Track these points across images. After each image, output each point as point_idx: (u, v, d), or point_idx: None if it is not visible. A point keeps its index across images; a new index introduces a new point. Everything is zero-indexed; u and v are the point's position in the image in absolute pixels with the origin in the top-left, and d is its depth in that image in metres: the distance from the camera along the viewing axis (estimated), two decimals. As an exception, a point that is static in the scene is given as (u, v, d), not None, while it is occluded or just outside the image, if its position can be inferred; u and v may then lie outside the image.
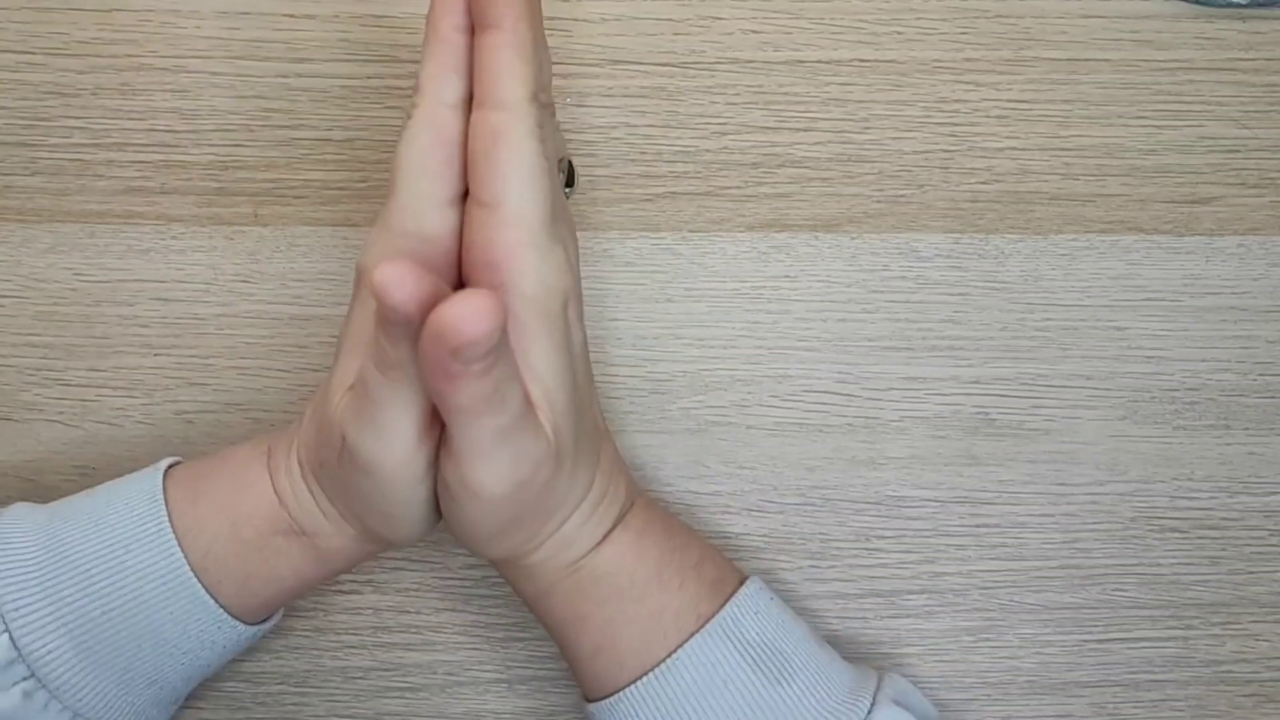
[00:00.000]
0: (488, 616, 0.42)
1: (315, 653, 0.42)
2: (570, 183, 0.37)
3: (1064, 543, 0.43)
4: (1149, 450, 0.43)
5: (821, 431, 0.43)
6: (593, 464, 0.35)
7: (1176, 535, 0.43)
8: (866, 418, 0.43)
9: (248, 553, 0.35)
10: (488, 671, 0.42)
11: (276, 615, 0.38)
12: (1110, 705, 0.42)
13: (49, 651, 0.34)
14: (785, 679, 0.35)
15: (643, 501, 0.37)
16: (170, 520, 0.34)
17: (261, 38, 0.43)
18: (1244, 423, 0.43)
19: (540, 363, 0.32)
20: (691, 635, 0.35)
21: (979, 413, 0.43)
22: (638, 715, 0.34)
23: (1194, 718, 0.42)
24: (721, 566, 0.37)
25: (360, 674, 0.42)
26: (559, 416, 0.32)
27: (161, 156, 0.43)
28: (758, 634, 0.35)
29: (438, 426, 0.31)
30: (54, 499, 0.41)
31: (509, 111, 0.31)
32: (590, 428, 0.35)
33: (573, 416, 0.33)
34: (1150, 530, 0.43)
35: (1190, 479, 0.43)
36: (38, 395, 0.42)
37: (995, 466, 0.43)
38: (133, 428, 0.42)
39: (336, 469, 0.33)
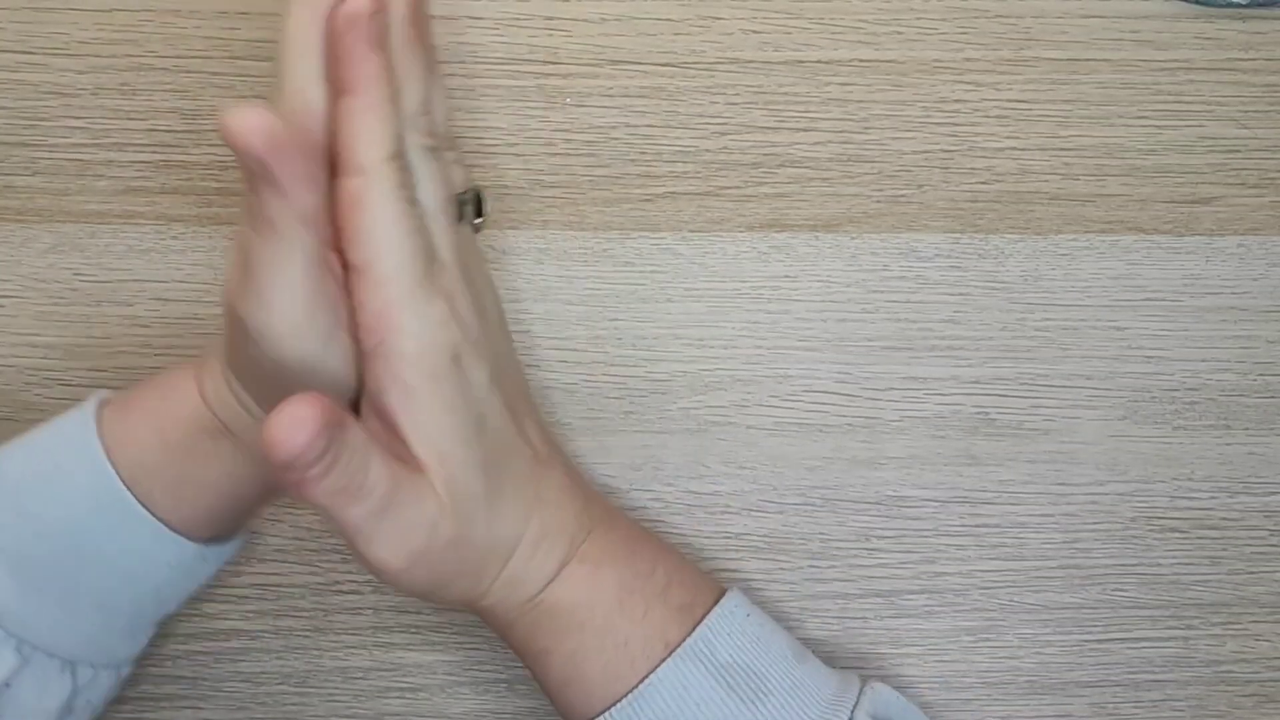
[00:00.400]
0: (488, 616, 0.42)
1: (315, 653, 0.42)
2: (480, 213, 0.37)
3: (1064, 543, 0.43)
4: (1149, 450, 0.43)
5: (821, 431, 0.43)
6: (524, 504, 0.34)
7: (1176, 535, 0.43)
8: (866, 418, 0.43)
9: (176, 458, 0.35)
10: (488, 671, 0.42)
11: (235, 540, 0.38)
12: (1110, 705, 0.42)
13: None
14: (760, 697, 0.34)
15: (604, 527, 0.37)
16: (100, 435, 0.34)
17: (261, 38, 0.43)
18: (1244, 423, 0.43)
19: (429, 423, 0.32)
20: (660, 662, 0.34)
21: (979, 413, 0.43)
22: None
23: (1194, 718, 0.42)
24: (693, 588, 0.37)
25: (360, 674, 0.42)
26: (456, 471, 0.32)
27: (162, 157, 0.43)
28: (730, 655, 0.35)
29: (335, 290, 0.31)
30: (54, 499, 0.41)
31: (364, 176, 0.31)
32: (519, 468, 0.35)
33: (477, 469, 0.32)
34: (1150, 530, 0.43)
35: (1190, 479, 0.43)
36: (38, 395, 0.42)
37: (995, 466, 0.43)
38: (133, 428, 0.42)
39: (242, 351, 0.32)
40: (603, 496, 0.39)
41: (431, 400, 0.32)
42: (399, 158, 0.32)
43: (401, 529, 0.31)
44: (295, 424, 0.27)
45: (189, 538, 0.35)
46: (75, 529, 0.34)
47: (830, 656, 0.40)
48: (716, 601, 0.36)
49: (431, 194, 0.33)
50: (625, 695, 0.34)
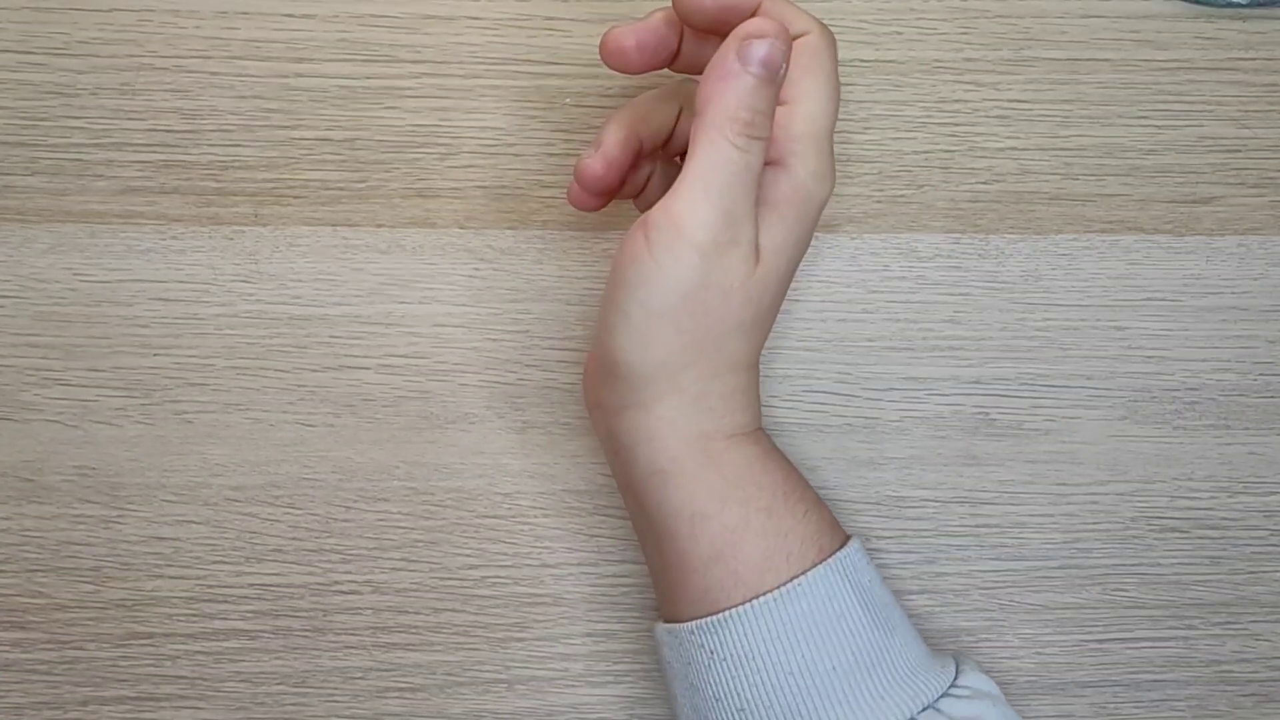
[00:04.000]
0: (488, 616, 0.42)
1: (315, 653, 0.42)
2: None
3: (1064, 543, 0.43)
4: (1149, 450, 0.43)
5: (822, 431, 0.43)
6: (755, 352, 0.36)
7: (1176, 535, 0.43)
8: (867, 418, 0.43)
9: None
10: (488, 671, 0.42)
11: None
12: (1110, 705, 0.42)
13: None
14: (890, 629, 0.35)
15: (768, 435, 0.38)
16: None
17: (261, 37, 0.43)
18: (1244, 423, 0.43)
19: (778, 231, 0.34)
20: (814, 565, 0.34)
21: (979, 413, 0.43)
22: (746, 636, 0.34)
23: (1194, 718, 0.42)
24: (832, 514, 0.37)
25: (360, 674, 0.42)
26: (771, 272, 0.34)
27: (161, 156, 0.43)
28: (869, 581, 0.35)
29: None
30: (53, 499, 0.41)
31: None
32: (770, 325, 0.37)
33: (780, 287, 0.35)
34: (1150, 530, 0.43)
35: (1190, 479, 0.43)
36: (38, 395, 0.42)
37: (995, 466, 0.43)
38: (132, 428, 0.42)
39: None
40: None
41: (795, 223, 0.35)
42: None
43: (728, 215, 0.33)
44: (776, 24, 0.32)
45: None
46: None
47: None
48: (848, 538, 0.37)
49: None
50: (776, 588, 0.34)
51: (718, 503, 0.35)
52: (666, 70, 0.38)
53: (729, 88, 0.32)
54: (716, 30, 0.35)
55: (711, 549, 0.35)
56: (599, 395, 0.37)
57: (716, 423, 0.35)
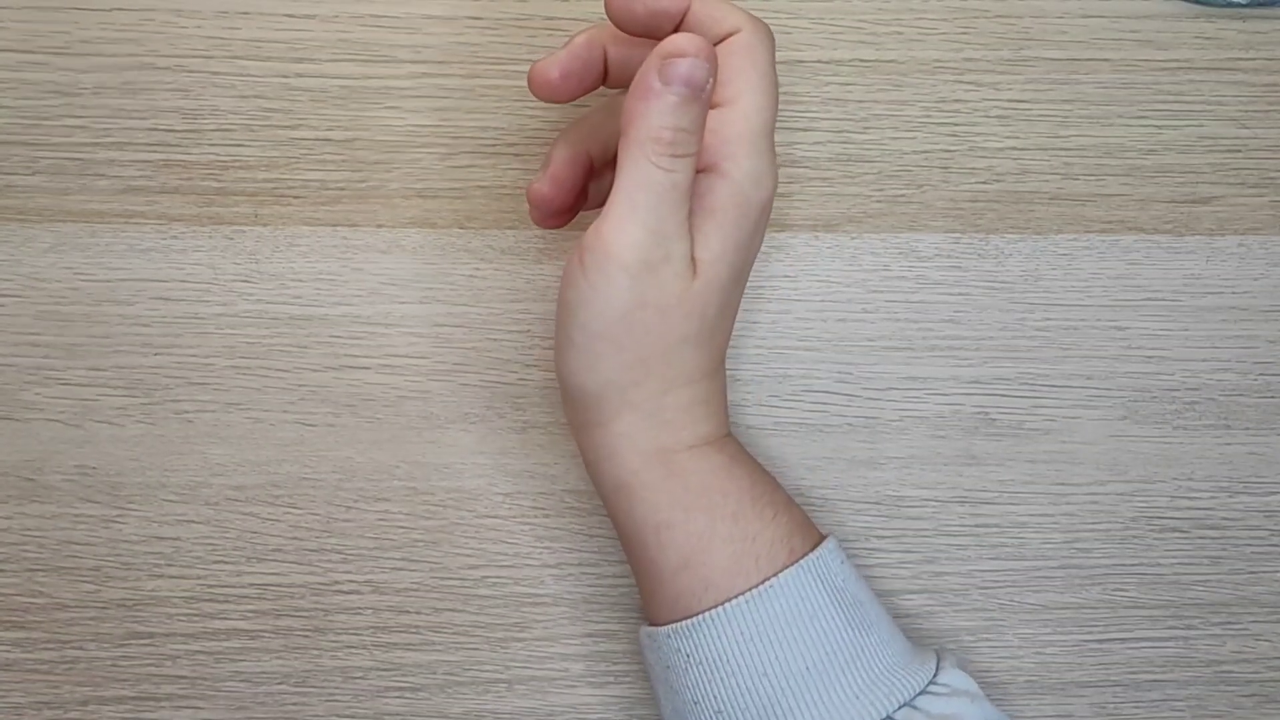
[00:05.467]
0: (487, 616, 0.42)
1: (315, 653, 0.42)
2: None
3: (1064, 543, 0.43)
4: (1149, 450, 0.43)
5: (821, 431, 0.43)
6: (711, 361, 0.36)
7: (1176, 535, 0.43)
8: (866, 418, 0.43)
9: None
10: (488, 671, 0.42)
11: None
12: (1110, 705, 0.42)
13: None
14: (866, 627, 0.35)
15: (736, 440, 0.38)
16: None
17: (262, 37, 0.43)
18: (1244, 423, 0.43)
19: (715, 240, 0.34)
20: (785, 567, 0.34)
21: (979, 413, 0.43)
22: (719, 639, 0.34)
23: (1194, 718, 0.42)
24: (805, 515, 0.37)
25: (360, 674, 0.42)
26: (710, 284, 0.34)
27: (162, 156, 0.43)
28: (843, 581, 0.35)
29: None
30: (54, 499, 0.42)
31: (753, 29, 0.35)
32: (725, 332, 0.36)
33: (724, 296, 0.35)
34: (1150, 530, 0.43)
35: (1190, 479, 0.43)
36: (38, 395, 0.42)
37: (995, 466, 0.43)
38: (133, 427, 0.42)
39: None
40: None
41: (733, 229, 0.34)
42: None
43: (657, 234, 0.33)
44: (698, 40, 0.31)
45: None
46: None
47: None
48: (823, 538, 0.37)
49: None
50: (746, 592, 0.34)
51: (682, 512, 0.35)
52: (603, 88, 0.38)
53: (650, 108, 0.32)
54: (650, 35, 0.34)
55: (679, 557, 0.35)
56: (566, 414, 0.37)
57: (675, 435, 0.35)
